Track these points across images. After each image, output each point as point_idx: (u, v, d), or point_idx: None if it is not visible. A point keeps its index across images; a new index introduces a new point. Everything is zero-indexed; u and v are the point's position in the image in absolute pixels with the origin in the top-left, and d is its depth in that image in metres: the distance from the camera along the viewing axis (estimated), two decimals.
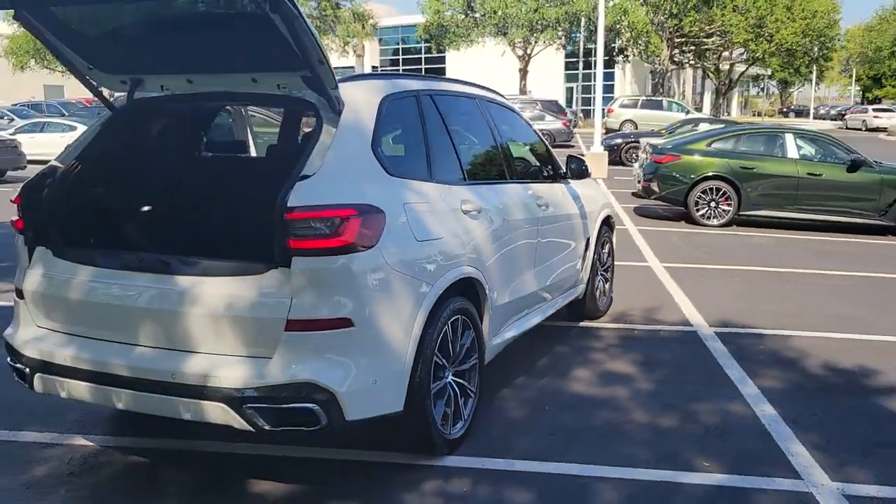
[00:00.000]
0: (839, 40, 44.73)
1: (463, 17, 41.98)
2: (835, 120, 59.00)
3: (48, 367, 3.57)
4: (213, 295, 3.31)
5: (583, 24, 41.43)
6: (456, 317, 3.89)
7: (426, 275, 3.66)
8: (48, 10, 3.59)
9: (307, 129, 4.11)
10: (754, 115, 69.32)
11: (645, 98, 36.02)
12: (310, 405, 3.19)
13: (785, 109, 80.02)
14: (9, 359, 3.78)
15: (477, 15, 41.74)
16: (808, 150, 12.44)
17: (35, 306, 3.73)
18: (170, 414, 3.39)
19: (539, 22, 40.29)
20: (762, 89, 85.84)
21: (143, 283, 3.47)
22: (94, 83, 4.02)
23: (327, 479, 3.77)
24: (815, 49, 41.14)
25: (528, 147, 5.58)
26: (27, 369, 3.64)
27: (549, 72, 51.52)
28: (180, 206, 4.43)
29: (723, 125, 16.40)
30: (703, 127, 18.56)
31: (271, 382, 3.18)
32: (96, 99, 4.27)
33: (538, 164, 5.57)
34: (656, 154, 12.77)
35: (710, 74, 51.03)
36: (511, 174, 5.01)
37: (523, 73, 43.87)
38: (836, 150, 12.38)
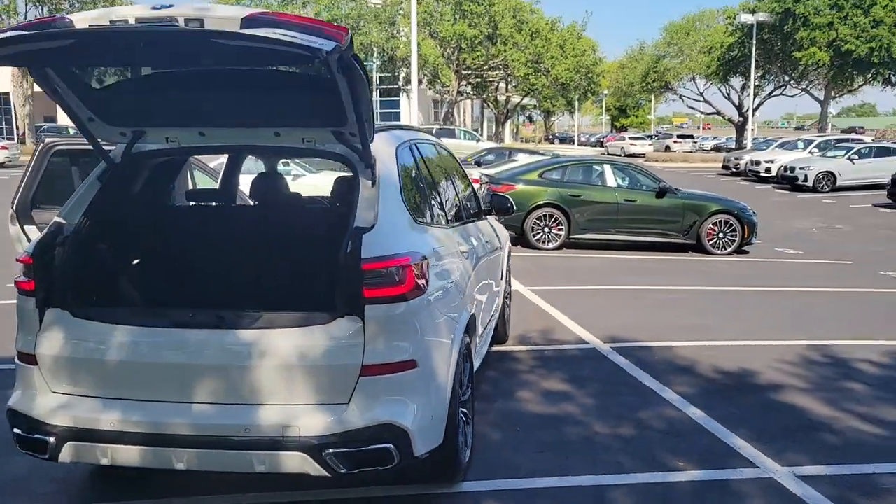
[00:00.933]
0: (603, 76, 49.76)
1: None
2: (594, 146, 65.26)
3: (86, 435, 3.40)
4: (281, 346, 3.37)
5: (375, 54, 42.55)
6: (466, 351, 4.22)
7: (456, 314, 3.96)
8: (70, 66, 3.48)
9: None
10: (523, 141, 74.56)
11: (438, 127, 37.63)
12: (387, 445, 3.36)
13: (550, 136, 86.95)
14: (20, 430, 3.52)
15: None
16: (624, 179, 14.00)
17: (52, 371, 3.52)
18: (240, 469, 3.39)
19: None
20: (528, 118, 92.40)
21: (199, 340, 3.43)
22: (93, 133, 3.87)
23: None
24: (584, 83, 45.53)
25: (465, 186, 6.02)
26: (52, 439, 3.43)
27: None
28: (219, 259, 4.32)
29: (548, 157, 17.81)
30: (523, 157, 20.00)
31: (352, 427, 3.31)
32: None
33: (474, 201, 6.02)
34: (493, 184, 13.69)
35: (490, 105, 54.37)
36: (466, 214, 5.42)
37: None
38: (646, 178, 14.04)
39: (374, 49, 41.67)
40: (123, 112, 3.84)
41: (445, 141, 34.40)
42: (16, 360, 3.67)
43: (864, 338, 7.47)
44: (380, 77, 47.31)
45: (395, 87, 48.25)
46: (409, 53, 39.98)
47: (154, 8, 3.01)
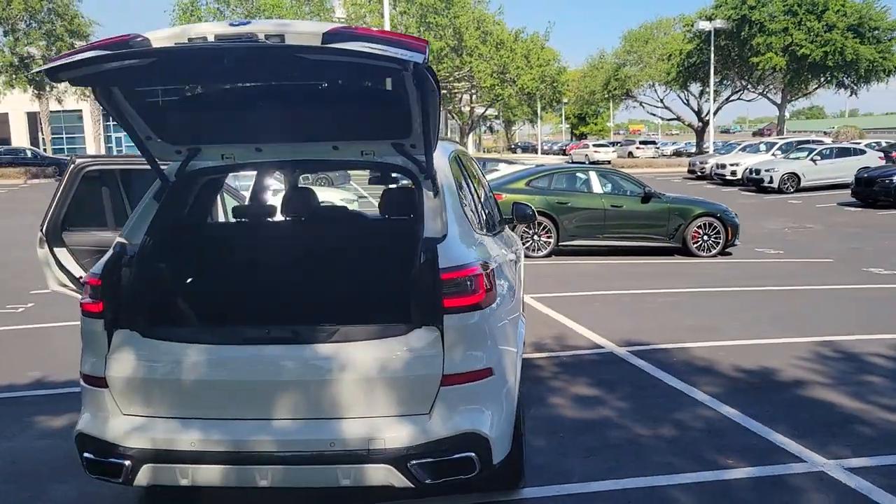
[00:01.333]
0: (567, 85, 50.34)
1: None
2: (558, 154, 65.88)
3: (165, 456, 3.35)
4: (360, 359, 3.36)
5: None
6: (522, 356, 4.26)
7: (515, 320, 4.00)
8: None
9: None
10: (485, 151, 75.05)
11: None
12: (469, 454, 3.36)
13: (512, 146, 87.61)
14: (91, 455, 3.46)
15: None
16: (609, 185, 14.18)
17: (124, 394, 3.47)
18: (324, 483, 3.37)
19: None
20: (489, 128, 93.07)
21: (276, 356, 3.41)
22: (151, 152, 3.83)
23: None
24: (549, 93, 46.03)
25: (490, 194, 6.06)
26: (128, 462, 3.37)
27: None
28: (287, 274, 4.29)
29: (533, 165, 17.99)
30: (504, 167, 20.13)
31: (436, 437, 3.31)
32: None
33: (497, 209, 6.07)
34: None
35: (454, 116, 54.61)
36: (498, 222, 5.47)
37: None
38: (630, 184, 14.25)
39: None
40: (180, 130, 3.81)
41: None
42: (81, 383, 3.60)
43: (869, 332, 7.66)
44: None
45: None
46: None
47: (232, 24, 3.01)
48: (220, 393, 3.42)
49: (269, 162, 4.06)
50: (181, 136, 3.84)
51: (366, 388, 3.35)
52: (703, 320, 8.44)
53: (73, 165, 5.01)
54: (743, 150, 35.65)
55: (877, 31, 42.80)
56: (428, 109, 3.43)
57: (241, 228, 4.37)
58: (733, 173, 31.43)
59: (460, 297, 3.41)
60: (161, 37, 3.03)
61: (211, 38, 2.98)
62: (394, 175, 4.57)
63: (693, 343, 7.30)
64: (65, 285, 5.26)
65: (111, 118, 3.66)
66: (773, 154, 32.11)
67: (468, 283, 3.43)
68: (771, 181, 28.14)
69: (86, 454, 3.47)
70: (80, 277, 5.17)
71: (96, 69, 3.07)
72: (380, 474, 3.30)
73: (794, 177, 28.15)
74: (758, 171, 28.91)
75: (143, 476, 3.38)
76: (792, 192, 27.64)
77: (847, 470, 4.39)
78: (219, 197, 5.29)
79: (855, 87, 46.31)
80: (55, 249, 5.07)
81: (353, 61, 2.97)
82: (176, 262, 3.82)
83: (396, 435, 3.29)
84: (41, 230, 5.08)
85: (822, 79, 46.11)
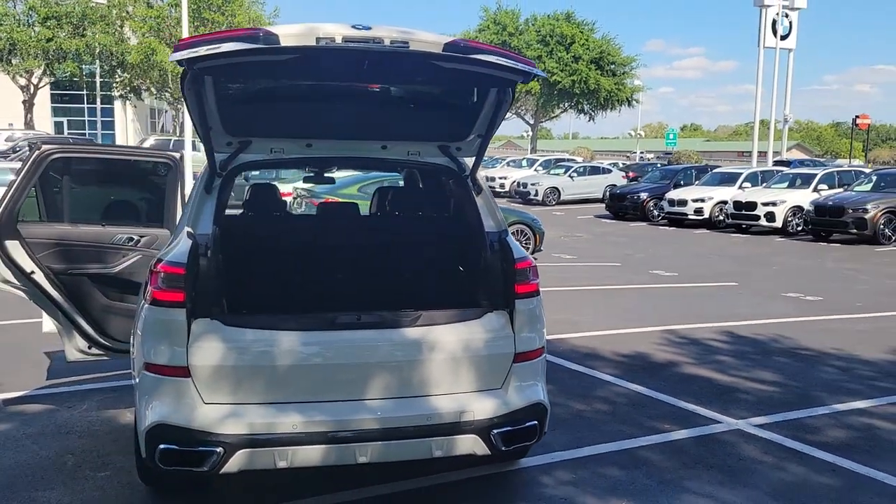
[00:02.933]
0: None
1: None
2: None
3: (264, 440, 3.41)
4: (446, 340, 3.68)
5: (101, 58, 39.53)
6: None
7: None
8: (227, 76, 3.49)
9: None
10: None
11: (175, 138, 35.94)
12: (534, 422, 3.83)
13: None
14: (174, 445, 3.41)
15: None
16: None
17: (209, 382, 3.46)
18: (419, 456, 3.63)
19: (55, 52, 37.15)
20: None
21: (369, 339, 3.61)
22: (212, 142, 3.81)
23: (473, 496, 4.28)
24: None
25: None
26: (219, 449, 3.38)
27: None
28: (368, 264, 4.31)
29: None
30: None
31: (514, 408, 3.73)
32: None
33: None
34: (314, 197, 13.90)
35: None
36: None
37: (29, 105, 39.58)
38: None
39: (102, 52, 38.66)
40: (240, 121, 3.84)
41: (195, 155, 32.72)
42: (148, 373, 3.51)
43: (694, 322, 9.12)
44: (102, 83, 43.81)
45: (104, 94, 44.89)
46: (141, 60, 37.97)
47: (355, 27, 3.23)
48: (315, 377, 3.55)
49: (313, 158, 4.18)
50: (238, 128, 3.87)
51: (451, 366, 3.69)
52: (560, 315, 9.44)
53: (37, 151, 4.61)
54: (507, 164, 38.59)
55: (613, 66, 48.56)
56: (496, 117, 3.85)
57: (305, 220, 4.40)
58: (502, 186, 33.94)
59: (526, 284, 3.87)
60: (288, 33, 3.16)
61: (338, 40, 3.18)
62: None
63: (568, 335, 8.22)
64: (8, 282, 4.80)
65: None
66: (535, 170, 35.16)
67: (530, 272, 3.89)
68: (536, 194, 30.83)
69: (163, 445, 3.41)
70: (32, 272, 4.78)
71: (226, 61, 3.12)
72: (467, 444, 3.65)
73: (556, 191, 31.12)
74: (525, 185, 31.54)
75: (236, 462, 3.41)
76: (554, 205, 30.53)
77: (757, 426, 5.45)
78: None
79: (593, 114, 51.99)
80: (6, 242, 4.63)
81: (478, 70, 3.34)
82: (249, 252, 3.84)
83: (482, 407, 3.67)
84: None
85: (568, 104, 51.24)
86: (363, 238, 4.70)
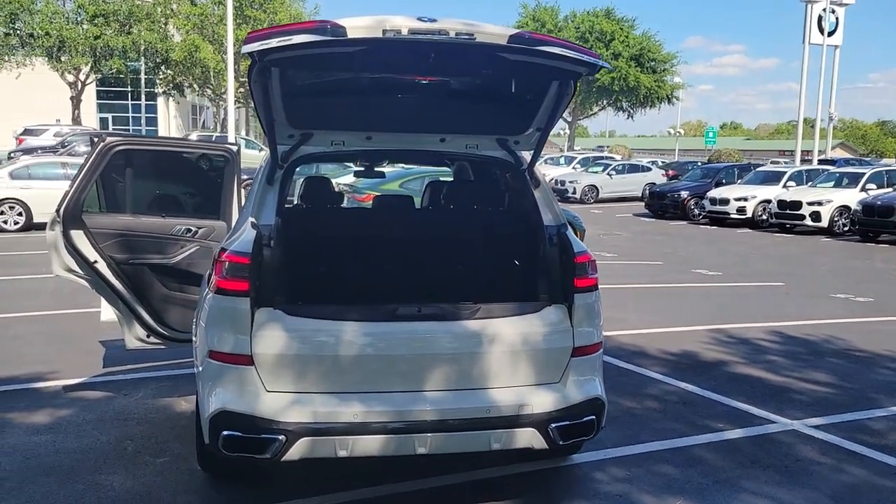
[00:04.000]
0: None
1: (5, 34, 37.03)
2: None
3: (326, 429, 3.44)
4: (505, 333, 3.69)
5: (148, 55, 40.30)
6: None
7: None
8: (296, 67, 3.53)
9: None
10: None
11: (217, 134, 36.47)
12: (592, 417, 3.81)
13: None
14: (237, 431, 3.46)
15: (23, 33, 37.25)
16: None
17: (272, 371, 3.51)
18: (477, 448, 3.64)
19: (102, 49, 37.93)
20: None
21: (430, 331, 3.63)
22: (276, 135, 3.86)
23: (527, 491, 4.29)
24: None
25: None
26: (282, 436, 3.42)
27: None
28: (418, 257, 4.36)
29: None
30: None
31: (572, 402, 3.72)
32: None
33: None
34: (356, 193, 13.98)
35: None
36: None
37: (76, 101, 40.41)
38: None
39: (147, 50, 39.36)
40: (304, 114, 3.88)
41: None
42: (213, 361, 3.57)
43: (743, 321, 9.00)
44: (146, 80, 44.60)
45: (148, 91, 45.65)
46: (184, 57, 38.58)
47: (421, 20, 3.24)
48: (376, 367, 3.58)
49: (373, 151, 4.22)
50: (301, 120, 3.92)
51: (510, 359, 3.69)
52: (605, 313, 9.34)
53: (102, 143, 4.71)
54: (545, 162, 38.43)
55: (653, 62, 48.06)
56: (557, 110, 3.84)
57: (361, 213, 4.46)
58: None
59: (585, 278, 3.85)
60: (356, 25, 3.18)
61: (405, 32, 3.19)
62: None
63: (614, 332, 8.16)
64: (71, 270, 4.92)
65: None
66: (573, 167, 34.94)
67: (589, 266, 3.88)
68: (574, 192, 30.63)
69: (227, 432, 3.46)
70: (95, 262, 4.88)
71: (294, 53, 3.15)
72: (525, 437, 3.65)
73: (594, 189, 30.88)
74: (563, 183, 31.35)
75: (298, 450, 3.45)
76: (592, 203, 30.31)
77: (813, 427, 5.36)
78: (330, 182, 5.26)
79: (632, 111, 51.51)
80: (71, 231, 4.74)
81: (543, 63, 3.33)
82: (309, 243, 3.88)
83: (541, 401, 3.66)
84: (57, 210, 4.73)
85: (607, 101, 50.87)
86: (420, 231, 4.71)
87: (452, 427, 3.55)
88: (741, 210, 22.63)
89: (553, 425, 3.67)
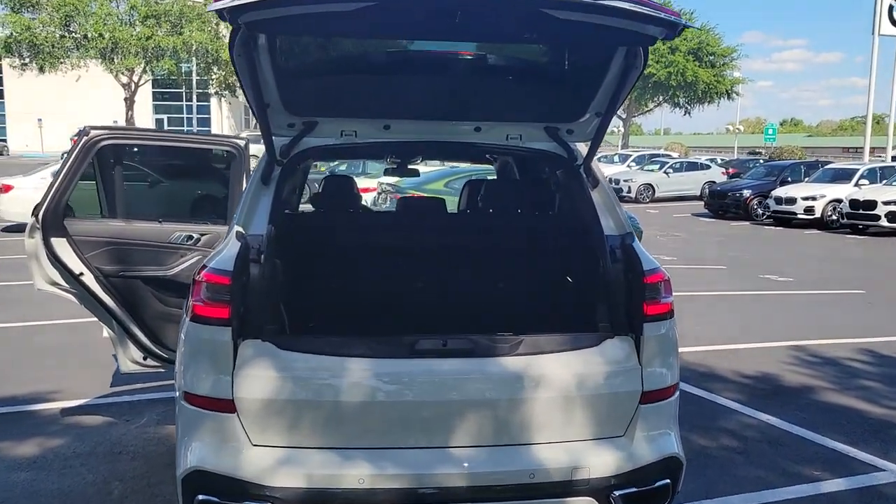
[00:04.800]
0: None
1: (60, 36, 37.51)
2: None
3: (323, 497, 2.70)
4: (555, 374, 2.89)
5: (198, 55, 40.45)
6: None
7: None
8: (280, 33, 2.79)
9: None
10: None
11: (249, 134, 36.40)
12: (666, 481, 2.99)
13: None
14: (212, 497, 2.74)
15: (78, 35, 37.67)
16: None
17: (258, 420, 2.78)
18: None
19: (154, 50, 38.14)
20: None
21: (457, 371, 2.86)
22: (269, 122, 3.13)
23: None
24: None
25: None
26: None
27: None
28: (448, 275, 3.62)
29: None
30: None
31: (642, 463, 2.91)
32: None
33: None
34: (399, 192, 13.32)
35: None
36: None
37: (130, 102, 40.76)
38: None
39: (198, 50, 39.47)
40: (304, 97, 3.15)
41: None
42: (187, 405, 2.86)
43: (824, 337, 7.99)
44: (198, 80, 44.87)
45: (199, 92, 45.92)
46: None
47: None
48: (389, 417, 2.82)
49: (392, 143, 3.46)
50: (302, 105, 3.19)
51: (561, 407, 2.89)
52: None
53: (85, 137, 4.07)
54: (598, 160, 37.32)
55: (712, 57, 46.36)
56: (623, 89, 3.03)
57: (381, 220, 3.72)
58: None
59: (657, 303, 3.03)
60: None
61: None
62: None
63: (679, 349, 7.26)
64: (56, 284, 4.28)
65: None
66: (627, 166, 33.76)
67: (662, 287, 3.06)
68: (629, 191, 29.51)
69: (202, 496, 2.74)
70: (81, 274, 4.24)
71: (281, 12, 2.42)
72: None
73: (650, 187, 29.72)
74: (617, 181, 30.19)
75: None
76: (647, 202, 29.15)
77: None
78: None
79: (689, 107, 49.86)
80: (52, 239, 4.11)
81: (606, 23, 2.52)
82: (310, 259, 3.15)
83: (600, 461, 2.86)
84: (35, 215, 4.10)
85: (663, 98, 49.30)
86: (451, 241, 3.89)
87: (486, 496, 2.78)
88: (809, 210, 21.34)
89: (616, 493, 2.86)
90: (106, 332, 4.60)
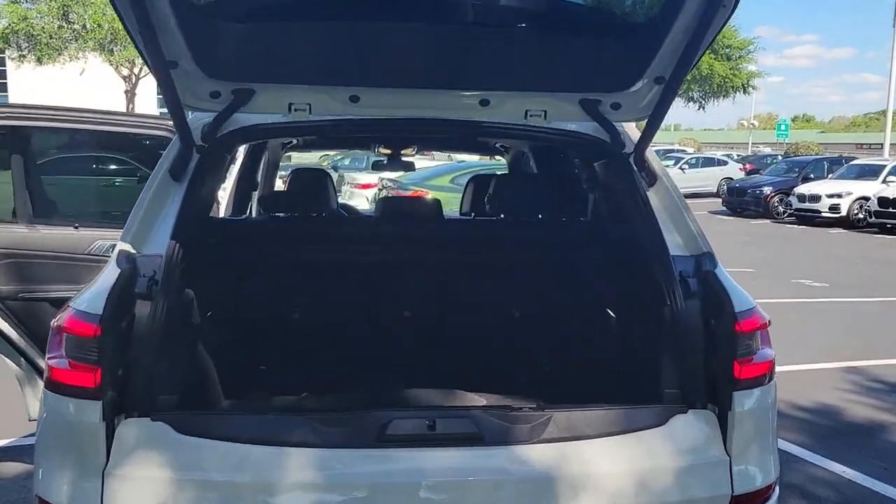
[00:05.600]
0: None
1: (58, 27, 36.60)
2: None
3: None
4: (601, 473, 1.91)
5: None
6: None
7: None
8: None
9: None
10: None
11: None
12: None
13: None
14: None
15: (76, 26, 36.73)
16: None
17: None
18: None
19: None
20: None
21: (451, 470, 1.87)
22: (176, 87, 2.13)
23: None
24: None
25: None
26: None
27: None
28: (452, 311, 2.61)
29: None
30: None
31: None
32: None
33: None
34: (401, 189, 12.35)
35: None
36: None
37: (131, 95, 39.77)
38: None
39: None
40: (226, 55, 2.16)
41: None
42: None
43: (881, 355, 6.99)
44: None
45: None
46: None
47: None
48: None
49: (360, 122, 2.44)
50: (229, 66, 2.20)
51: None
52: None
53: None
54: None
55: (728, 50, 45.08)
56: (701, 41, 2.03)
57: (350, 230, 2.73)
58: None
59: (753, 361, 2.04)
60: None
61: None
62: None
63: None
64: None
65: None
66: None
67: (762, 338, 2.07)
68: None
69: None
70: None
71: None
72: None
73: None
74: None
75: None
76: None
77: None
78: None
79: (703, 102, 48.65)
80: None
81: None
82: (233, 290, 2.16)
83: None
84: None
85: (680, 92, 48.10)
86: (444, 260, 2.81)
87: None
88: (834, 208, 20.36)
89: None
90: (12, 365, 3.64)
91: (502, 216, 3.15)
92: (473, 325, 2.75)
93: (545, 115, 2.40)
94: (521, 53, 2.29)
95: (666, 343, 2.10)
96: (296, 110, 2.32)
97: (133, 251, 1.98)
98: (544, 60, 2.30)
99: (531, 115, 2.40)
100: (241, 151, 3.73)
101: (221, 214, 3.67)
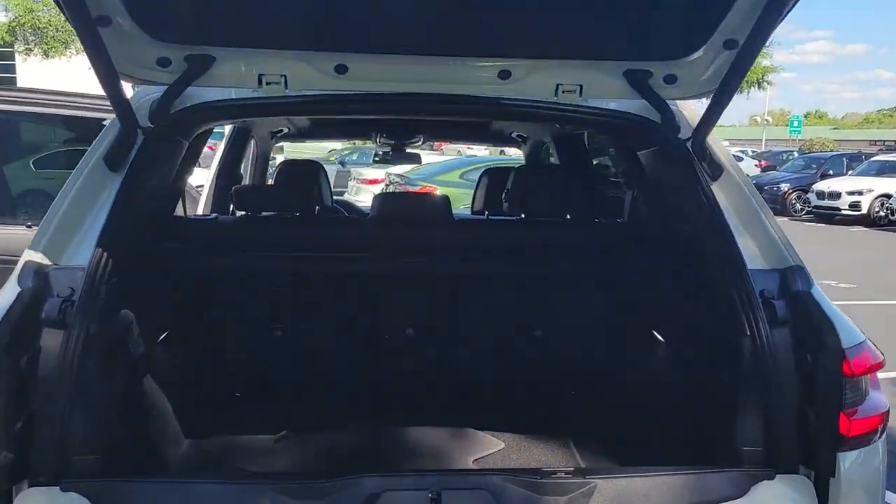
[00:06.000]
0: None
1: (65, 19, 36.52)
2: None
3: None
4: None
5: None
6: None
7: None
8: None
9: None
10: None
11: None
12: None
13: None
14: None
15: None
16: None
17: None
18: None
19: None
20: None
21: None
22: (108, 52, 1.66)
23: None
24: None
25: None
26: None
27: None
28: (460, 340, 2.14)
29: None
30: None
31: None
32: None
33: None
34: (409, 185, 11.92)
35: None
36: None
37: (135, 88, 39.71)
38: None
39: None
40: (178, 12, 1.69)
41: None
42: None
43: None
44: None
45: None
46: None
47: None
48: None
49: (347, 100, 1.96)
50: (179, 26, 1.72)
51: None
52: None
53: None
54: None
55: None
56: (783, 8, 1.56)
57: (335, 231, 2.26)
58: None
59: (861, 413, 1.56)
60: None
61: None
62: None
63: None
64: None
65: None
66: None
67: (869, 384, 1.60)
68: None
69: None
70: None
71: None
72: None
73: None
74: None
75: None
76: None
77: None
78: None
79: None
80: None
81: None
82: (191, 307, 1.71)
83: None
84: None
85: None
86: (453, 270, 2.31)
87: None
88: (855, 205, 19.98)
89: None
90: None
91: (522, 216, 2.65)
92: (488, 350, 2.26)
93: (580, 91, 1.90)
94: (550, 12, 1.80)
95: (745, 386, 1.61)
96: (268, 83, 1.84)
97: (46, 262, 1.51)
98: (580, 21, 1.80)
99: (564, 91, 1.90)
100: (223, 141, 3.26)
101: (200, 213, 3.23)
